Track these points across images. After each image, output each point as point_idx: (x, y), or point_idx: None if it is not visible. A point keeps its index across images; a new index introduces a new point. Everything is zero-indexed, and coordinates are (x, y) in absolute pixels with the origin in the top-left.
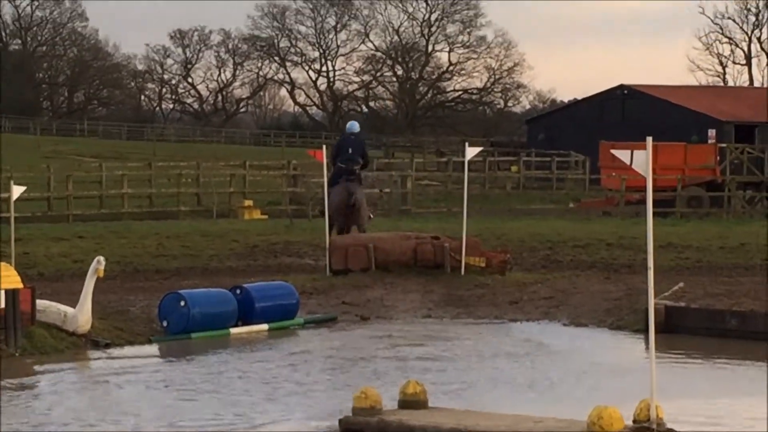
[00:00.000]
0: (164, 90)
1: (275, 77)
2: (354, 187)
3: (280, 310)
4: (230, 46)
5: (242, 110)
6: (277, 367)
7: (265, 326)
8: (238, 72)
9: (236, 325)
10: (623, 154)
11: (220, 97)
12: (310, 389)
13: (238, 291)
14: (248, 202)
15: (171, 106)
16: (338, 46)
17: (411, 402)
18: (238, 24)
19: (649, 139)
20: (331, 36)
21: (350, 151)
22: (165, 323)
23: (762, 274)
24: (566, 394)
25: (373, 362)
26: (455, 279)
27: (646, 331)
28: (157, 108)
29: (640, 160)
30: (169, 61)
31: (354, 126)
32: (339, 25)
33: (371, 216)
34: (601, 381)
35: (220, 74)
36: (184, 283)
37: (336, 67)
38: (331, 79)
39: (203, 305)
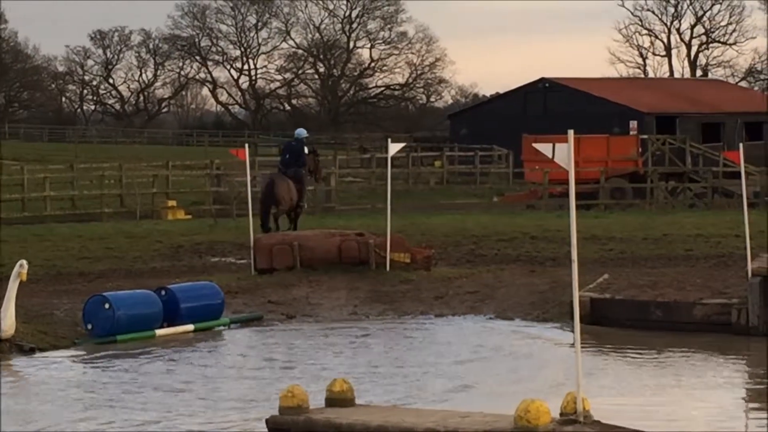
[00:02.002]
0: (85, 91)
1: (197, 76)
2: (275, 175)
3: (205, 310)
4: (151, 46)
5: (164, 110)
6: (203, 368)
7: (190, 327)
8: (159, 72)
9: (162, 327)
10: (545, 148)
11: (141, 98)
12: (237, 389)
13: (162, 292)
14: (172, 203)
15: (92, 107)
16: (259, 45)
17: (338, 400)
18: (158, 24)
19: (571, 132)
20: (252, 34)
21: (287, 156)
22: (90, 326)
23: (685, 264)
24: (493, 388)
25: (299, 360)
26: (380, 275)
27: (571, 323)
28: (79, 109)
29: (562, 153)
30: (90, 62)
31: (299, 133)
32: (260, 24)
33: (303, 205)
34: (528, 374)
35: (141, 74)
36: (109, 286)
37: (258, 66)
38: (253, 78)
39: (128, 307)
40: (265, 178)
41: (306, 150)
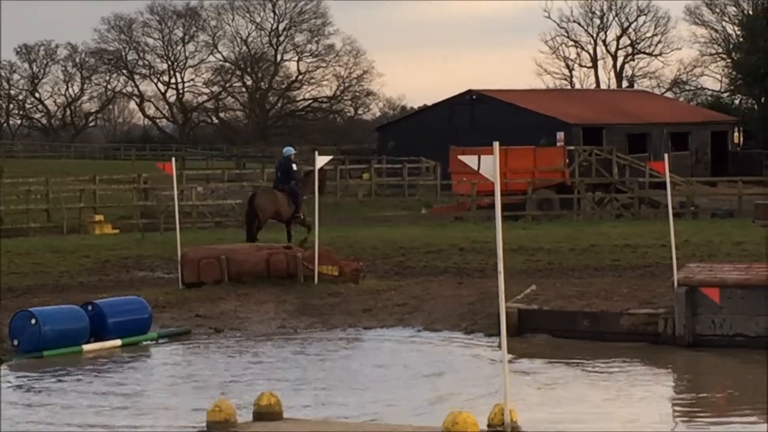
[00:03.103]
0: (11, 106)
1: (124, 90)
2: (262, 188)
3: (132, 325)
4: (77, 60)
5: (91, 124)
6: (128, 383)
7: (118, 342)
8: (86, 86)
9: (89, 342)
10: (471, 160)
11: (68, 112)
12: (164, 404)
13: (89, 307)
14: (99, 217)
15: (19, 121)
16: (186, 58)
17: (265, 414)
18: (84, 38)
19: (496, 144)
20: (179, 48)
21: (279, 174)
22: (16, 342)
23: (612, 274)
24: (421, 401)
25: (227, 374)
26: (309, 288)
27: (499, 334)
28: (5, 124)
29: (488, 165)
30: (16, 77)
31: (286, 151)
32: (187, 37)
33: (300, 217)
34: (456, 386)
35: (67, 88)
36: (35, 301)
37: (185, 79)
38: (181, 91)
39: (54, 322)
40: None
41: (294, 166)
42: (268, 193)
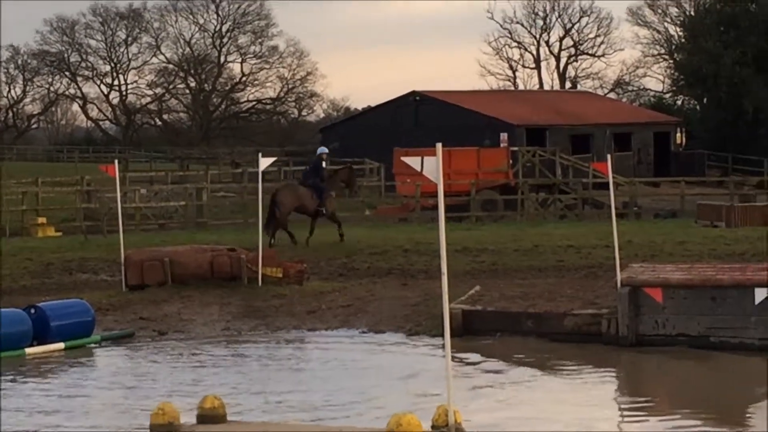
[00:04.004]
0: None
1: (67, 92)
2: (281, 188)
3: (76, 328)
4: (19, 62)
5: (34, 126)
6: (73, 387)
7: (61, 345)
8: (28, 88)
9: (31, 345)
10: (414, 161)
11: (10, 114)
12: (107, 407)
13: (32, 310)
14: (42, 220)
15: None
16: (130, 60)
17: (209, 417)
18: (26, 39)
19: (439, 145)
20: (122, 49)
21: (308, 169)
22: None
23: (556, 275)
24: (366, 402)
25: (170, 377)
26: (253, 290)
27: (443, 335)
28: None
29: (431, 166)
30: None
31: (319, 150)
32: (130, 39)
33: (323, 211)
34: (401, 387)
35: (9, 91)
36: None
37: (128, 81)
38: (124, 93)
39: None
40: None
41: (324, 164)
42: (289, 188)
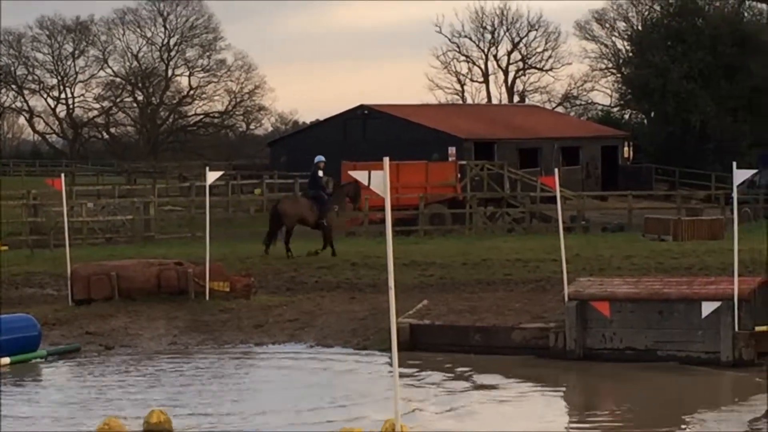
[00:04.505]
0: None
1: (13, 105)
2: (282, 199)
3: (21, 342)
4: None
5: None
6: (18, 402)
7: (6, 360)
8: None
9: None
10: (361, 175)
11: None
12: (54, 421)
13: None
14: None
15: None
16: (77, 73)
17: (155, 431)
18: None
19: (386, 159)
20: (69, 62)
21: (309, 181)
22: None
23: (504, 289)
24: (312, 417)
25: (117, 392)
26: (200, 304)
27: (391, 349)
28: None
29: (378, 180)
30: None
31: (315, 159)
32: (77, 52)
33: (324, 223)
34: (348, 402)
35: None
36: None
37: (75, 94)
38: (71, 106)
39: None
40: None
41: (320, 173)
42: (291, 199)
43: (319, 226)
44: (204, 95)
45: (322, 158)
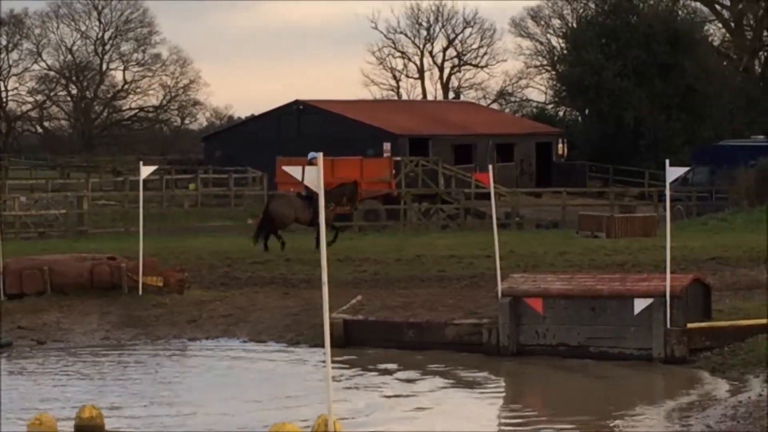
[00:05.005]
0: None
1: None
2: (274, 197)
3: None
4: None
5: None
6: None
7: None
8: None
9: None
10: (295, 171)
11: None
12: None
13: None
14: None
15: None
16: (10, 66)
17: (87, 427)
18: None
19: (320, 155)
20: (2, 56)
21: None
22: None
23: (438, 285)
24: (246, 413)
25: (49, 387)
26: (133, 299)
27: (324, 345)
28: None
29: (312, 176)
30: None
31: (309, 156)
32: (10, 45)
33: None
34: (281, 398)
35: None
36: None
37: (8, 88)
38: (4, 100)
39: None
40: None
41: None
42: (282, 197)
43: (315, 224)
44: (138, 89)
45: (315, 155)
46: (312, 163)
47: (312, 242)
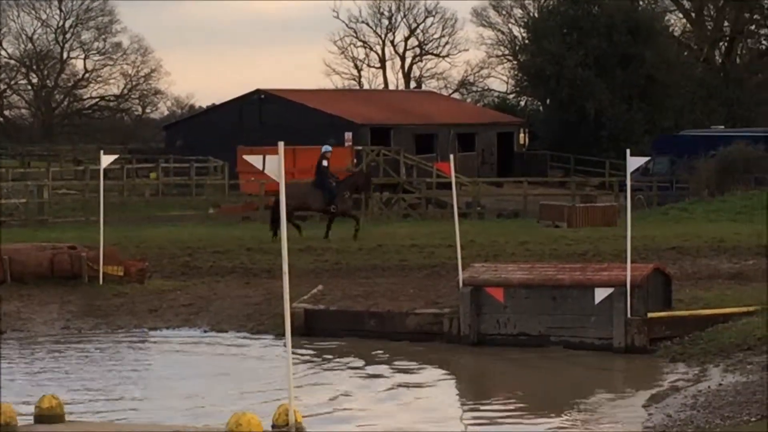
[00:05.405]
0: None
1: None
2: (293, 182)
3: None
4: None
5: None
6: None
7: None
8: None
9: None
10: (255, 160)
11: None
12: None
13: None
14: None
15: None
16: None
17: (47, 416)
18: None
19: (281, 144)
20: None
21: (315, 171)
22: None
23: (399, 274)
24: (207, 402)
25: (7, 376)
26: (93, 289)
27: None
28: None
29: (273, 165)
30: None
31: (323, 148)
32: None
33: (332, 209)
34: (242, 386)
35: None
36: None
37: None
38: None
39: None
40: None
41: (325, 162)
42: (293, 186)
43: (328, 212)
44: (99, 78)
45: (329, 148)
46: (324, 155)
47: (322, 231)
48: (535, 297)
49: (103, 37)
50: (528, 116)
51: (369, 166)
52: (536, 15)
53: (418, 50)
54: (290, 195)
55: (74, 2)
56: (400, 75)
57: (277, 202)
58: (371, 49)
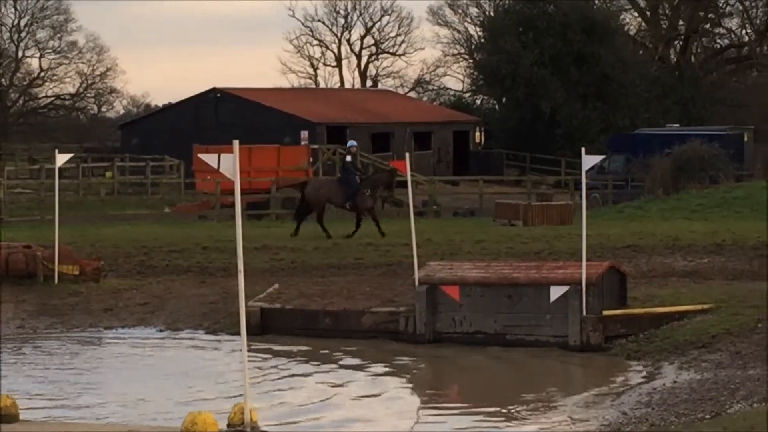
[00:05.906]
0: None
1: None
2: (309, 181)
3: None
4: None
5: None
6: None
7: None
8: None
9: None
10: (210, 158)
11: None
12: None
13: None
14: None
15: None
16: None
17: (2, 416)
18: None
19: (236, 143)
20: None
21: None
22: None
23: (355, 273)
24: (163, 402)
25: None
26: (49, 288)
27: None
28: None
29: (228, 163)
30: None
31: (348, 144)
32: None
33: (347, 206)
34: (199, 386)
35: None
36: None
37: None
38: None
39: None
40: None
41: (348, 158)
42: (316, 182)
43: (344, 208)
44: (55, 77)
45: (354, 143)
46: (351, 150)
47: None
48: (491, 295)
49: (59, 35)
50: (484, 115)
51: (325, 164)
52: (492, 14)
53: (374, 49)
54: (315, 192)
55: (29, 1)
56: (357, 74)
57: (303, 197)
58: (327, 47)
